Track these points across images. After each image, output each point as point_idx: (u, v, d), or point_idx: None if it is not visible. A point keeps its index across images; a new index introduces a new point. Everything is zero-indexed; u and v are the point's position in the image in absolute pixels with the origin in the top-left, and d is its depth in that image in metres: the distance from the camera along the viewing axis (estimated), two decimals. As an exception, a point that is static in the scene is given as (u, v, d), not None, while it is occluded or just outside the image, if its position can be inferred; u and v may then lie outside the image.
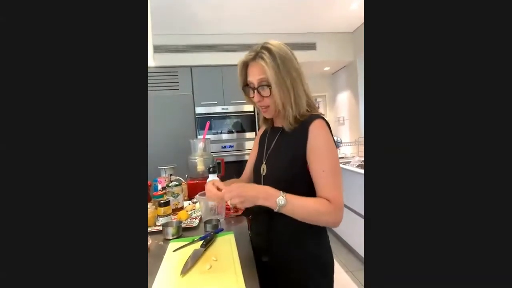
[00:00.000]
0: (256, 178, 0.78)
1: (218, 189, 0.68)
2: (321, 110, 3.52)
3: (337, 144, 2.88)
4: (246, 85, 0.72)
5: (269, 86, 0.67)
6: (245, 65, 0.71)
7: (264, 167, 0.75)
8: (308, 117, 0.68)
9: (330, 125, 0.69)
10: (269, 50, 0.66)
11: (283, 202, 0.60)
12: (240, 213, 1.05)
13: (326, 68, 3.07)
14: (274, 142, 0.75)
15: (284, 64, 0.66)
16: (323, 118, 0.68)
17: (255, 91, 0.69)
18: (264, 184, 0.74)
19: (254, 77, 0.69)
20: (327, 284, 0.72)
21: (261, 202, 0.61)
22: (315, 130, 0.66)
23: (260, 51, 0.67)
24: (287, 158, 0.69)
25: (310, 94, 0.71)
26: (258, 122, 2.47)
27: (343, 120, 3.09)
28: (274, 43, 0.68)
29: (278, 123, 0.77)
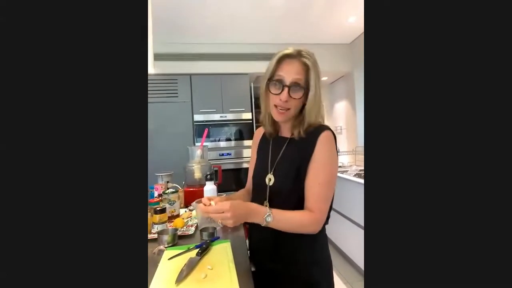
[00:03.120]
0: (259, 188, 0.75)
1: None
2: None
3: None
4: (273, 80, 0.67)
5: (303, 88, 0.65)
6: (281, 59, 0.67)
7: (270, 177, 0.73)
8: (317, 127, 0.68)
9: (335, 136, 0.70)
10: (310, 55, 0.67)
11: (270, 219, 0.62)
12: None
13: (324, 78, 3.12)
14: (281, 152, 0.73)
15: (318, 73, 0.67)
16: (330, 130, 0.69)
17: (286, 89, 0.65)
18: (270, 194, 0.72)
19: (289, 75, 0.65)
20: (329, 284, 0.74)
21: (251, 220, 0.63)
22: (323, 142, 0.67)
23: (302, 52, 0.66)
24: (294, 169, 0.69)
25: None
26: (255, 129, 2.47)
27: (341, 129, 3.12)
28: (310, 51, 0.68)
29: (285, 133, 0.76)
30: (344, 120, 3.04)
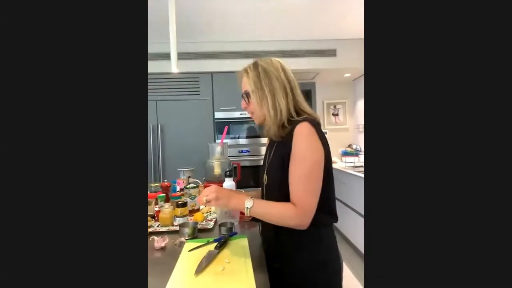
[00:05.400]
0: (262, 188, 0.81)
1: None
2: (340, 118, 3.42)
3: (356, 152, 2.82)
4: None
5: (248, 94, 0.76)
6: (241, 78, 0.81)
7: (265, 177, 0.78)
8: (295, 122, 0.70)
9: (320, 127, 0.70)
10: (255, 65, 0.76)
11: (249, 205, 0.67)
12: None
13: (347, 75, 3.02)
14: (272, 151, 0.78)
15: (266, 74, 0.73)
16: (310, 121, 0.68)
17: (242, 99, 0.79)
18: (267, 193, 0.78)
19: (243, 89, 0.79)
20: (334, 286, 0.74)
21: (233, 204, 0.70)
22: (297, 133, 0.68)
23: (248, 66, 0.77)
24: (280, 166, 0.71)
25: (300, 103, 0.75)
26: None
27: (363, 127, 3.02)
28: (265, 59, 0.77)
29: None
30: (367, 118, 2.94)
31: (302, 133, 0.67)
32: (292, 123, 0.70)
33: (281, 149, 0.71)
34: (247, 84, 0.76)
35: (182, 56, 2.46)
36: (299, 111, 0.74)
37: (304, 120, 0.68)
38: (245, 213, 0.68)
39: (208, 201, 0.70)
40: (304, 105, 0.75)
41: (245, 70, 0.77)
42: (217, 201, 0.70)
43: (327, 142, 0.70)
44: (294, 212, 0.65)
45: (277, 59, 0.78)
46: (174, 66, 1.43)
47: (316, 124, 0.69)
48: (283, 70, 0.75)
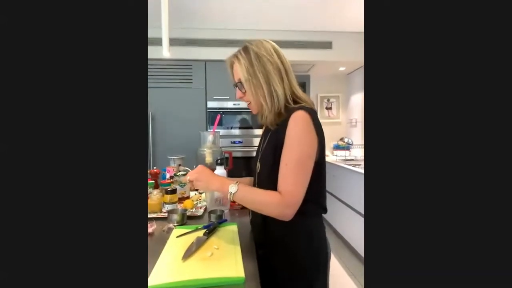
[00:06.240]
0: (254, 176, 0.80)
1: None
2: (333, 111, 3.43)
3: (347, 146, 2.85)
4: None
5: (241, 83, 0.71)
6: (231, 66, 0.76)
7: (258, 164, 0.76)
8: (291, 109, 0.67)
9: (316, 115, 0.68)
10: (245, 49, 0.71)
11: (234, 190, 0.65)
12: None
13: (342, 68, 3.02)
14: (266, 139, 0.76)
15: (258, 59, 0.69)
16: (306, 109, 0.66)
17: (236, 89, 0.75)
18: (259, 181, 0.76)
19: (235, 77, 0.75)
20: (322, 278, 0.73)
21: (215, 188, 0.68)
22: (292, 121, 0.65)
23: (238, 52, 0.72)
24: (272, 153, 0.69)
25: (295, 87, 0.72)
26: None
27: (356, 122, 3.04)
28: (255, 41, 0.72)
29: None
30: (360, 112, 2.95)
31: (297, 122, 0.64)
32: (288, 111, 0.68)
33: (275, 137, 0.69)
34: (239, 72, 0.70)
35: (175, 42, 2.39)
36: (295, 98, 0.71)
37: (300, 108, 0.66)
38: (228, 198, 0.66)
39: (190, 181, 0.70)
40: (299, 91, 0.72)
41: (235, 57, 0.71)
42: (197, 181, 0.69)
43: (322, 132, 0.68)
44: (278, 201, 0.62)
45: (269, 40, 0.73)
46: (165, 50, 1.38)
47: (312, 112, 0.66)
48: (276, 51, 0.71)
